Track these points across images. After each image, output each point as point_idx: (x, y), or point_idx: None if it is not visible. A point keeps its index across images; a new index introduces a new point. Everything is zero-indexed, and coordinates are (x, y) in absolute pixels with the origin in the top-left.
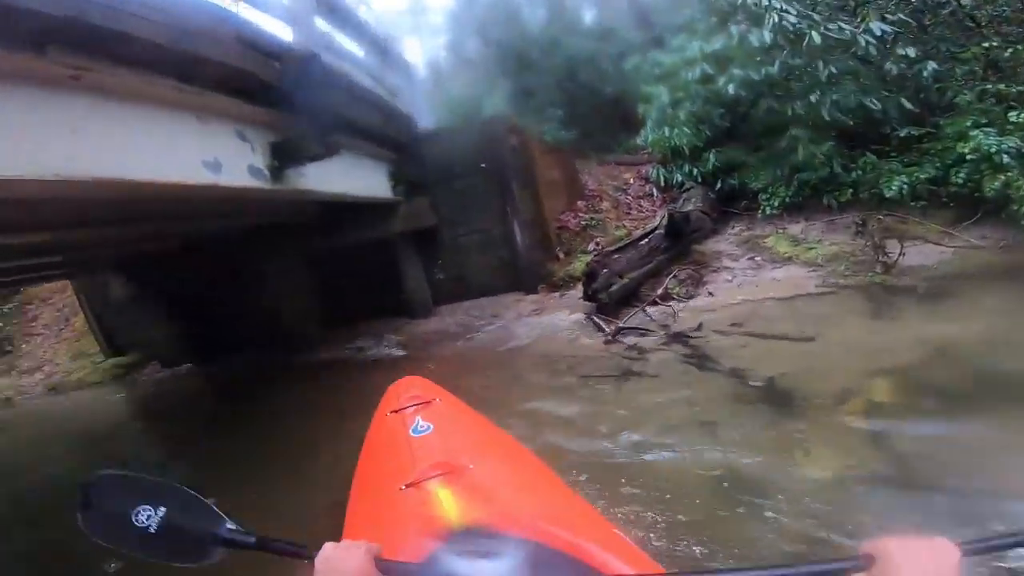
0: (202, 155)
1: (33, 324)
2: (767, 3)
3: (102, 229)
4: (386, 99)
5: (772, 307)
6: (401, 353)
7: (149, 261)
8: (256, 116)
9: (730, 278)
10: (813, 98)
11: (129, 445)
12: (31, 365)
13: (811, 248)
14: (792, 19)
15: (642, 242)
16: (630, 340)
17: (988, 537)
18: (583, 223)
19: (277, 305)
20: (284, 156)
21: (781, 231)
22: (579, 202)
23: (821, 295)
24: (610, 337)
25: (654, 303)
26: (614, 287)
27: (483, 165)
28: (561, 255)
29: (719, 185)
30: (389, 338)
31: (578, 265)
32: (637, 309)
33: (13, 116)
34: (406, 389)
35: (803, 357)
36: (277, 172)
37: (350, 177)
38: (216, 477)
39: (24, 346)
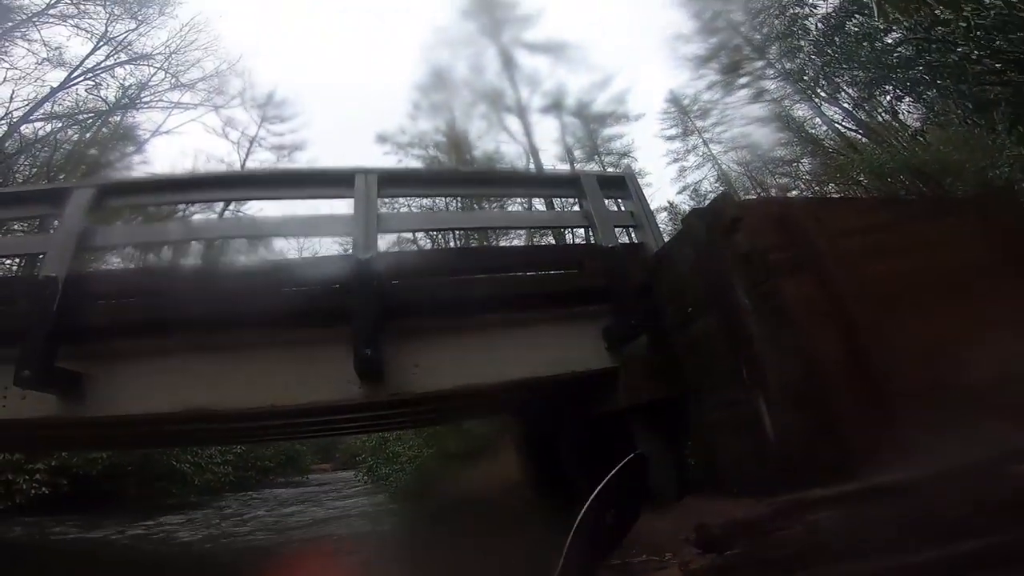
0: None
1: None
2: None
3: None
4: (579, 247)
5: None
6: None
7: None
8: None
9: None
10: None
11: None
12: (494, 469)
13: None
14: None
15: None
16: None
17: None
18: (1012, 369)
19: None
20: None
21: None
22: None
23: None
24: None
25: None
26: None
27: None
28: (921, 443)
29: None
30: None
31: None
32: None
33: None
34: None
35: None
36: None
37: (497, 358)
38: None
39: (501, 454)
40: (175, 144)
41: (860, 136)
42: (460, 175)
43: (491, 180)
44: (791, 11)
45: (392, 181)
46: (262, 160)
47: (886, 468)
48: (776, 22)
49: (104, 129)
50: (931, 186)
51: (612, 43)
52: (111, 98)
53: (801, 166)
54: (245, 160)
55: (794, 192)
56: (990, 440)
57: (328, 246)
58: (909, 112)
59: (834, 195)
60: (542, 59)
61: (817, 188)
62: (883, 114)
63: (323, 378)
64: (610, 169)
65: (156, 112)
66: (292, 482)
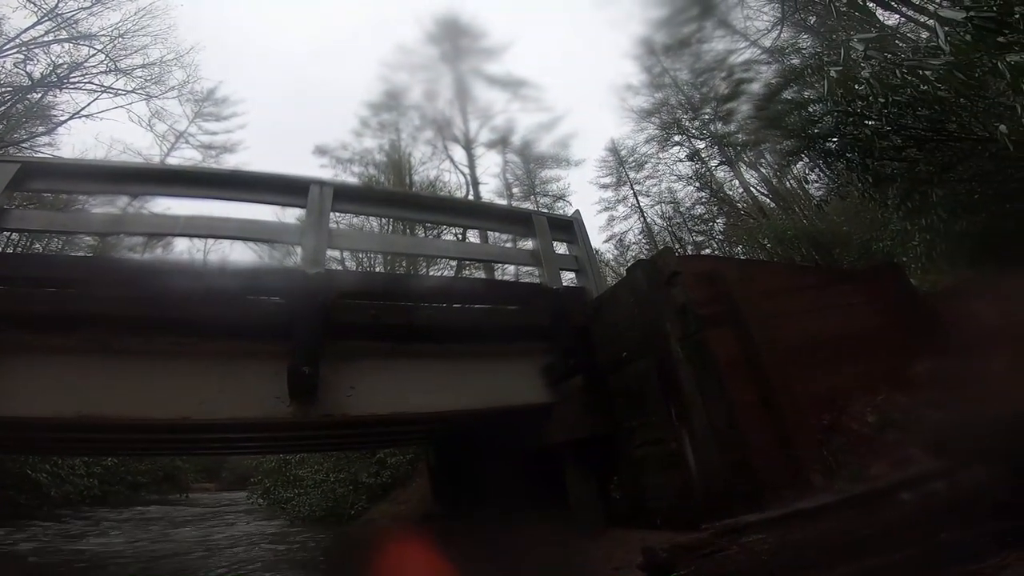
0: None
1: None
2: None
3: None
4: (527, 287)
5: None
6: None
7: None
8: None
9: None
10: None
11: None
12: (405, 498)
13: None
14: None
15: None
16: None
17: None
18: (890, 416)
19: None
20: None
21: None
22: (922, 365)
23: None
24: None
25: None
26: None
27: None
28: (818, 479)
29: None
30: None
31: None
32: None
33: None
34: None
35: None
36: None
37: (437, 386)
38: None
39: (414, 483)
40: (92, 129)
41: (770, 201)
42: (416, 198)
43: (446, 207)
44: (737, 75)
45: (347, 196)
46: (187, 158)
47: (789, 500)
48: (720, 83)
49: (19, 106)
50: (823, 254)
51: (568, 85)
52: (37, 74)
53: (716, 225)
54: (167, 155)
55: (707, 250)
56: (873, 475)
57: (240, 252)
58: (816, 181)
59: (741, 256)
60: (498, 93)
61: (727, 248)
62: (792, 182)
63: (249, 393)
64: (544, 209)
65: (81, 94)
66: (167, 500)
